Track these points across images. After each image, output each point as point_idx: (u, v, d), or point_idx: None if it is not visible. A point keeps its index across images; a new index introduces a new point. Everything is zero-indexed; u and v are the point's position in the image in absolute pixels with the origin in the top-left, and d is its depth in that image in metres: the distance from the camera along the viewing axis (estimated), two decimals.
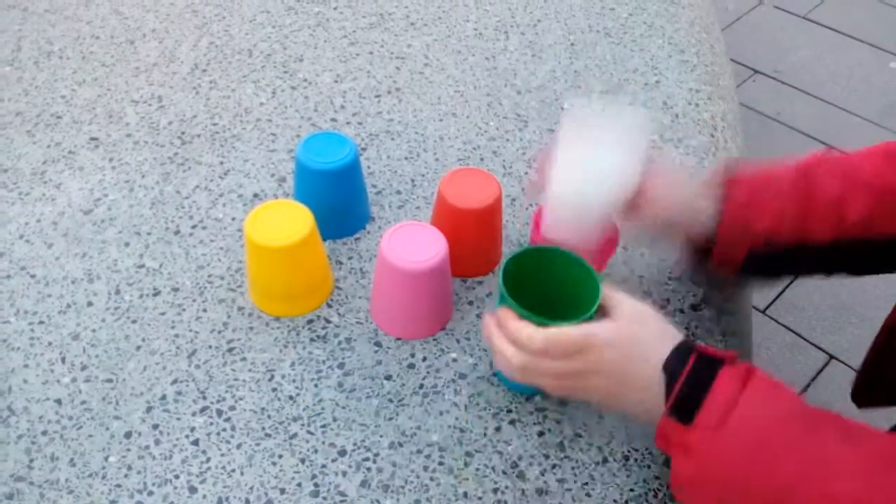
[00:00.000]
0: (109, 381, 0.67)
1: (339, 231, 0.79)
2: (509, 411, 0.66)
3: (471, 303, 0.75)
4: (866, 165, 0.67)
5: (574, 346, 0.56)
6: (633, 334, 0.56)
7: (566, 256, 0.62)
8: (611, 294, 0.59)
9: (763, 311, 1.75)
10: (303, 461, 0.62)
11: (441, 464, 0.63)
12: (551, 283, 0.63)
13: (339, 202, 0.77)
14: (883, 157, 0.68)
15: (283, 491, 0.60)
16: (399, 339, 0.71)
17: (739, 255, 0.67)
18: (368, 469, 0.62)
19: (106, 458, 0.62)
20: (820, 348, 1.69)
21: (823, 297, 1.78)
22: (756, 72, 2.39)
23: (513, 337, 0.57)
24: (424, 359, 0.70)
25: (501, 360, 0.58)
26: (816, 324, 1.73)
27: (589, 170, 0.65)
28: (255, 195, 0.84)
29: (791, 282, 1.79)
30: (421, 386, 0.68)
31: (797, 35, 2.57)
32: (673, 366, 0.54)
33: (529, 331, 0.56)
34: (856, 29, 2.58)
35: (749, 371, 0.53)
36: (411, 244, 0.67)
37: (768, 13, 2.66)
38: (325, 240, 0.75)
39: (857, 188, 0.66)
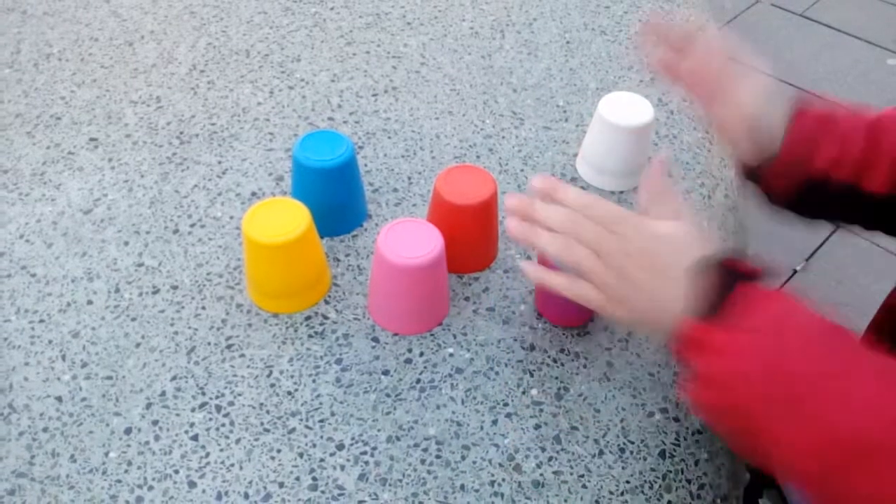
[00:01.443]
0: (109, 378, 0.68)
1: (337, 228, 0.80)
2: (506, 405, 0.67)
3: (467, 298, 0.75)
4: None
5: (615, 214, 0.56)
6: (674, 235, 0.56)
7: None
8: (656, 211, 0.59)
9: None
10: (301, 455, 0.63)
11: (438, 457, 0.63)
12: None
13: (337, 200, 0.78)
14: None
15: (281, 485, 0.61)
16: (396, 334, 0.72)
17: (792, 186, 0.66)
18: (366, 463, 0.63)
19: (106, 454, 0.63)
20: None
21: (822, 293, 1.78)
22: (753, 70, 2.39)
23: (556, 194, 0.58)
24: (421, 354, 0.70)
25: (542, 225, 0.58)
26: None
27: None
28: (253, 194, 0.84)
29: (789, 278, 1.80)
30: (418, 380, 0.68)
31: (794, 32, 2.58)
32: (704, 265, 0.53)
33: (573, 189, 0.58)
34: (853, 26, 2.58)
35: (777, 290, 0.52)
36: (408, 240, 0.67)
37: (766, 11, 2.67)
38: (322, 237, 0.76)
39: None
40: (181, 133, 0.92)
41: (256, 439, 0.64)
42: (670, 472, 0.64)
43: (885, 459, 0.44)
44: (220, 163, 0.88)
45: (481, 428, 0.65)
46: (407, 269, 0.67)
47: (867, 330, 0.75)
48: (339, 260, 0.78)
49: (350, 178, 0.78)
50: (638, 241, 0.56)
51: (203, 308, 0.73)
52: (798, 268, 1.82)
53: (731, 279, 0.52)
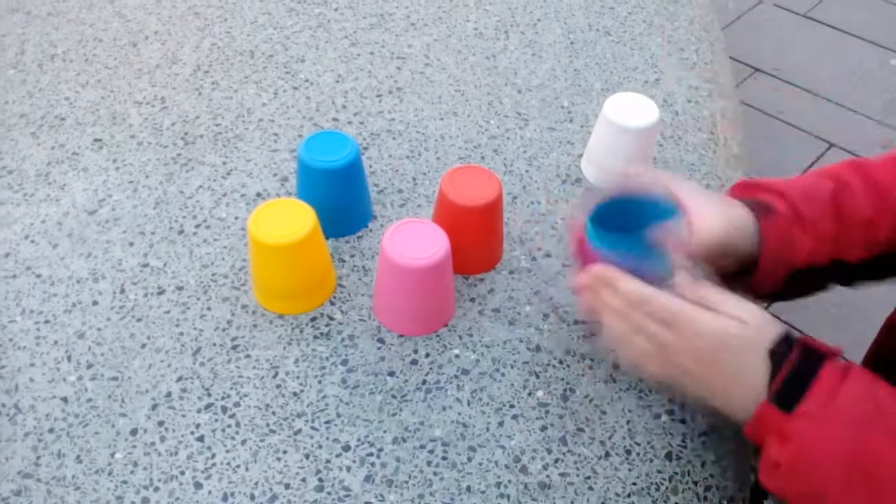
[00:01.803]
0: (115, 378, 0.68)
1: (342, 229, 0.80)
2: (511, 406, 0.67)
3: (473, 300, 0.75)
4: (894, 178, 0.67)
5: (671, 314, 0.56)
6: (737, 337, 0.56)
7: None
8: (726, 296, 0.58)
9: (766, 308, 1.75)
10: (307, 456, 0.63)
11: (444, 458, 0.63)
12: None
13: (342, 201, 0.78)
14: None
15: (287, 486, 0.61)
16: (402, 336, 0.71)
17: (778, 281, 0.66)
18: (372, 464, 0.63)
19: (112, 455, 0.62)
20: None
21: (827, 296, 1.78)
22: (757, 70, 2.39)
23: (614, 286, 0.59)
24: (427, 355, 0.70)
25: (604, 309, 0.60)
26: (820, 322, 1.73)
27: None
28: (258, 194, 0.84)
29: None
30: (424, 382, 0.68)
31: (798, 33, 2.57)
32: (778, 353, 0.54)
33: (631, 283, 0.57)
34: (856, 26, 2.58)
35: (848, 365, 0.54)
36: (413, 241, 0.67)
37: (769, 11, 2.66)
38: (327, 238, 0.76)
39: (887, 205, 0.66)
40: (186, 134, 0.92)
41: (262, 440, 0.64)
42: (677, 473, 0.64)
43: None
44: (224, 163, 0.88)
45: (487, 429, 0.65)
46: (412, 270, 0.66)
47: (882, 329, 0.75)
48: (344, 261, 0.78)
49: (355, 178, 0.78)
50: (697, 342, 0.56)
51: (208, 309, 0.73)
52: None
53: (810, 363, 0.53)
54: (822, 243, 0.65)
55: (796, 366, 0.53)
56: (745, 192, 0.69)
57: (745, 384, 0.55)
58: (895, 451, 0.50)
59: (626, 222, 0.64)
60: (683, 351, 0.57)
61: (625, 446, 0.65)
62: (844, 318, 1.73)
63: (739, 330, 0.56)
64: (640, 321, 0.58)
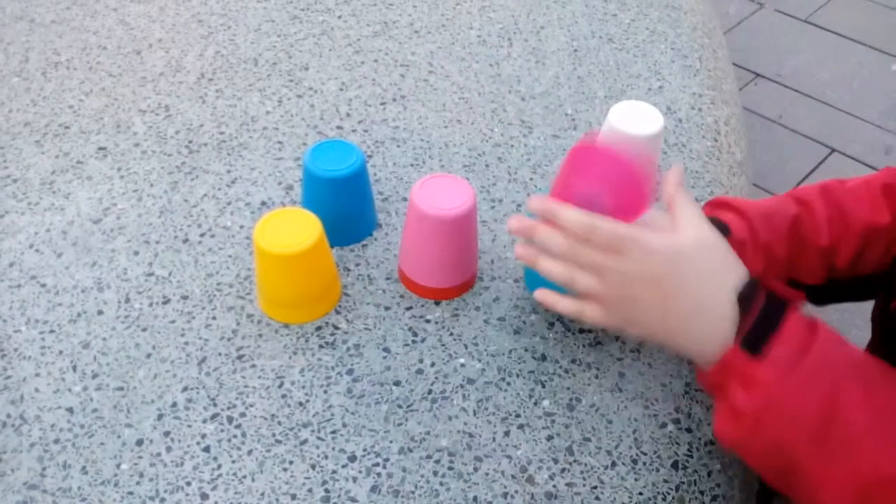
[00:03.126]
0: (120, 389, 0.67)
1: (347, 238, 0.80)
2: (518, 416, 0.67)
3: (477, 308, 0.75)
4: (860, 206, 0.68)
5: (618, 238, 0.53)
6: (691, 253, 0.53)
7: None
8: (680, 210, 0.56)
9: None
10: (313, 467, 0.63)
11: (451, 468, 0.63)
12: None
13: (347, 209, 0.78)
14: (879, 193, 0.68)
15: (294, 497, 0.61)
16: (407, 345, 0.71)
17: None
18: (378, 474, 0.62)
19: (118, 466, 0.62)
20: None
21: None
22: (758, 75, 2.40)
23: (556, 218, 0.55)
24: (433, 364, 0.70)
25: (542, 249, 0.56)
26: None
27: None
28: (263, 203, 0.84)
29: None
30: (429, 391, 0.68)
31: (799, 38, 2.58)
32: (745, 294, 0.52)
33: (574, 212, 0.54)
34: (857, 32, 2.58)
35: (814, 319, 0.52)
36: (441, 193, 0.70)
37: (770, 17, 2.67)
38: (332, 247, 0.76)
39: (848, 234, 0.67)
40: (190, 142, 0.92)
41: (268, 451, 0.64)
42: (683, 483, 0.64)
43: None
44: (229, 172, 0.88)
45: (493, 439, 0.65)
46: (443, 220, 0.69)
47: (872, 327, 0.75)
48: (349, 270, 0.78)
49: (360, 187, 0.78)
50: (646, 265, 0.53)
51: (214, 318, 0.73)
52: None
53: (776, 307, 0.51)
54: (774, 266, 0.66)
55: (764, 309, 0.51)
56: (711, 210, 0.71)
57: (708, 316, 0.52)
58: (872, 406, 0.48)
59: None
60: (637, 278, 0.53)
61: (631, 456, 0.65)
62: (846, 323, 1.73)
63: (695, 246, 0.53)
64: (582, 254, 0.54)
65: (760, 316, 0.51)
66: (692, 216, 0.55)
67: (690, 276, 0.53)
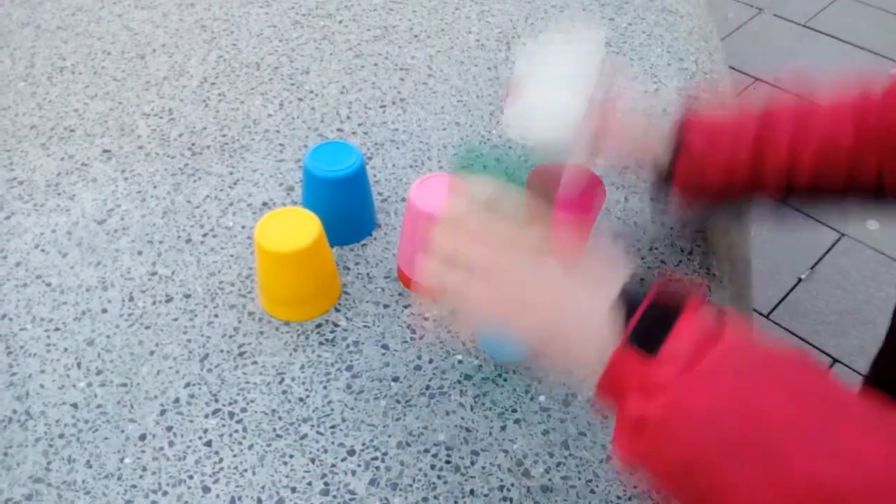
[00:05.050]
0: (124, 385, 0.69)
1: (347, 237, 0.81)
2: (514, 411, 0.68)
3: None
4: (828, 126, 0.69)
5: (509, 240, 0.50)
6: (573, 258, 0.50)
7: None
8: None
9: (766, 316, 1.76)
10: (313, 461, 0.64)
11: (448, 462, 0.64)
12: None
13: (347, 209, 0.79)
14: (850, 117, 0.69)
15: (294, 490, 0.62)
16: (405, 342, 0.73)
17: (695, 200, 0.73)
18: (377, 468, 0.64)
19: (121, 460, 0.64)
20: (824, 352, 1.70)
21: (827, 302, 1.79)
22: (757, 79, 2.41)
23: (455, 225, 0.52)
24: (431, 361, 0.71)
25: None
26: (820, 328, 1.74)
27: (537, 110, 0.67)
28: (264, 204, 0.86)
29: (794, 287, 1.80)
30: (427, 387, 0.69)
31: (797, 42, 2.59)
32: (631, 293, 0.46)
33: (470, 214, 0.51)
34: (856, 36, 2.60)
35: (721, 314, 0.45)
36: (439, 193, 0.71)
37: (768, 21, 2.68)
38: (332, 246, 0.77)
39: (808, 152, 0.69)
40: (193, 144, 0.93)
41: (269, 445, 0.65)
42: None
43: None
44: (231, 173, 0.89)
45: (490, 433, 0.66)
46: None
47: (870, 371, 0.75)
48: (348, 269, 0.79)
49: (360, 188, 0.79)
50: (539, 269, 0.49)
51: (216, 316, 0.74)
52: (803, 276, 1.83)
53: (667, 308, 0.45)
54: (735, 176, 0.70)
55: (652, 307, 0.45)
56: (680, 126, 0.74)
57: (588, 317, 0.46)
58: (795, 405, 0.41)
59: None
60: (530, 282, 0.49)
61: None
62: (845, 325, 1.74)
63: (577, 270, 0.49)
64: (471, 253, 0.50)
65: (649, 313, 0.45)
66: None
67: (569, 280, 0.49)
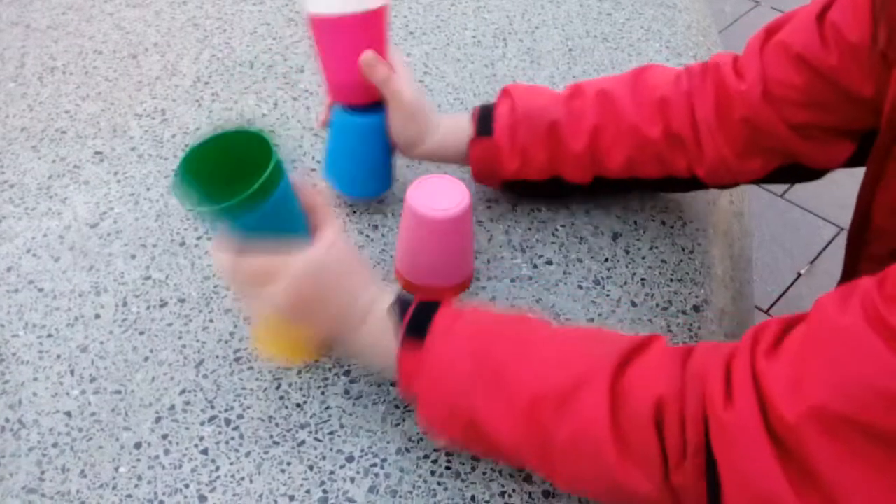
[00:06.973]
0: (118, 392, 0.68)
1: (369, 188, 0.83)
2: None
3: None
4: (636, 114, 0.72)
5: (260, 273, 0.56)
6: (326, 260, 0.58)
7: (253, 137, 0.56)
8: (321, 220, 0.59)
9: (766, 312, 1.75)
10: (311, 468, 0.63)
11: (448, 468, 0.63)
12: (244, 172, 0.54)
13: (372, 157, 0.80)
14: (657, 107, 0.72)
15: (292, 498, 0.61)
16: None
17: (493, 185, 0.80)
18: (376, 475, 0.63)
19: (116, 469, 0.63)
20: None
21: None
22: None
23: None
24: None
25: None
26: None
27: None
28: None
29: (793, 282, 1.80)
30: None
31: None
32: (401, 301, 0.60)
33: (220, 257, 0.56)
34: None
35: (467, 304, 0.61)
36: (435, 194, 0.70)
37: (766, 14, 2.67)
38: (351, 196, 0.82)
39: (617, 137, 0.72)
40: (186, 145, 0.92)
41: (266, 452, 0.64)
42: None
43: (576, 400, 0.51)
44: None
45: None
46: (437, 222, 0.69)
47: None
48: None
49: (384, 138, 0.78)
50: (294, 284, 0.56)
51: (211, 321, 0.73)
52: (802, 271, 1.82)
53: (427, 304, 0.59)
54: (532, 166, 0.75)
55: (418, 306, 0.59)
56: (499, 96, 0.78)
57: (358, 316, 0.60)
58: (517, 344, 0.56)
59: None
60: (293, 298, 0.57)
61: None
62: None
63: (327, 252, 0.57)
64: (240, 289, 0.61)
65: (416, 311, 0.58)
66: (328, 226, 0.59)
67: (332, 280, 0.58)
